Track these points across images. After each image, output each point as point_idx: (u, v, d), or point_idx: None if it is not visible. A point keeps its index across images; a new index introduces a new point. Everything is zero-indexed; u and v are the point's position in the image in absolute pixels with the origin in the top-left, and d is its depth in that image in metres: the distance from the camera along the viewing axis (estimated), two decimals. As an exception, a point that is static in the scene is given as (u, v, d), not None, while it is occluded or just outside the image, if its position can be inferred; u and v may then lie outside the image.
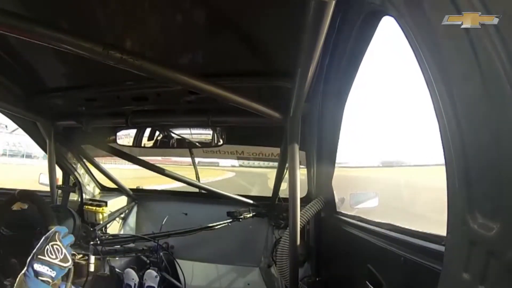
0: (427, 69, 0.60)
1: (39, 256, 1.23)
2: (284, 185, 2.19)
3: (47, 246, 1.26)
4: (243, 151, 2.44)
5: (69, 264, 1.29)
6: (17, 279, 1.18)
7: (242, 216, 2.37)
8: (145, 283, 2.02)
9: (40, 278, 1.19)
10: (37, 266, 1.20)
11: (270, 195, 2.41)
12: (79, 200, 2.60)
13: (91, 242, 1.97)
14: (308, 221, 1.83)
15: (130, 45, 1.30)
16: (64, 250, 1.28)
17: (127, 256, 2.32)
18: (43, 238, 1.30)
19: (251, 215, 2.39)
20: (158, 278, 2.12)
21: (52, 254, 1.25)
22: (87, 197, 2.65)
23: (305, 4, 0.73)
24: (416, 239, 0.98)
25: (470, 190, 0.53)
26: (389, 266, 1.07)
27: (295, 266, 1.61)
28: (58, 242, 1.29)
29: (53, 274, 1.23)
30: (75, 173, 2.54)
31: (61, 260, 1.26)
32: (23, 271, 1.20)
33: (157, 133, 2.35)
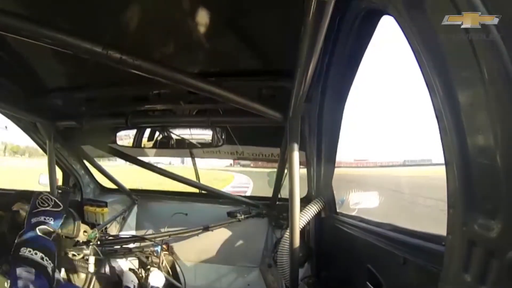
0: (427, 69, 0.59)
1: (33, 211, 1.23)
2: (284, 185, 2.19)
3: (37, 200, 1.27)
4: (243, 152, 2.44)
5: (62, 208, 1.30)
6: (16, 238, 1.17)
7: (242, 216, 2.37)
8: (150, 283, 2.01)
9: (38, 229, 1.18)
10: (34, 219, 1.20)
11: (270, 195, 2.41)
12: (79, 200, 2.60)
13: (91, 243, 1.97)
14: (308, 221, 1.83)
15: (130, 45, 1.30)
16: (53, 198, 1.30)
17: (127, 257, 2.31)
18: (32, 200, 1.31)
19: (251, 215, 2.39)
20: (164, 279, 2.12)
21: (44, 203, 1.26)
22: (87, 197, 2.65)
23: (305, 4, 0.73)
24: (416, 239, 0.97)
25: (470, 190, 0.53)
26: (389, 266, 1.06)
27: (295, 266, 1.61)
28: (45, 194, 1.30)
29: (51, 221, 1.23)
30: (75, 173, 2.54)
31: (53, 206, 1.27)
32: (22, 231, 1.20)
33: (157, 133, 2.34)
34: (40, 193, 1.32)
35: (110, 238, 2.27)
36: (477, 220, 0.52)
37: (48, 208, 1.26)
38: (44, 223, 1.20)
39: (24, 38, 0.94)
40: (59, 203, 1.29)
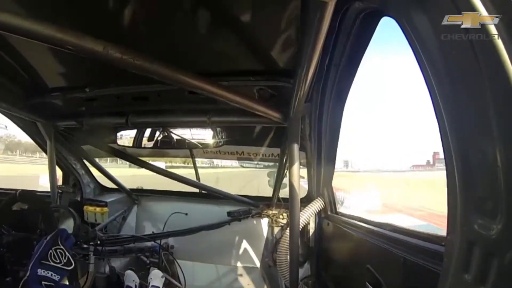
0: (427, 69, 0.60)
1: (42, 261, 1.21)
2: (284, 185, 2.19)
3: (50, 251, 1.24)
4: (243, 151, 2.44)
5: (72, 266, 1.28)
6: (20, 285, 1.16)
7: (242, 216, 2.37)
8: (150, 282, 2.01)
9: (43, 283, 1.18)
10: (41, 271, 1.18)
11: (271, 195, 2.41)
12: (79, 200, 2.60)
13: (91, 242, 1.97)
14: (308, 221, 1.83)
15: (131, 45, 1.30)
16: (67, 254, 1.27)
17: (127, 257, 2.31)
18: (45, 242, 1.28)
19: (251, 215, 2.39)
20: (164, 278, 2.12)
21: (56, 259, 1.24)
22: (87, 197, 2.65)
23: (305, 4, 0.73)
24: (416, 240, 0.97)
25: (470, 190, 0.53)
26: (389, 267, 1.06)
27: (295, 266, 1.61)
28: (61, 246, 1.27)
29: (57, 278, 1.21)
30: (75, 173, 2.54)
31: (64, 264, 1.25)
32: (25, 277, 1.18)
33: (157, 133, 2.35)
34: (57, 243, 1.28)
35: (110, 237, 2.27)
36: (477, 220, 0.52)
37: (59, 266, 1.24)
38: (51, 279, 1.20)
39: (24, 37, 0.94)
40: (71, 260, 1.27)
